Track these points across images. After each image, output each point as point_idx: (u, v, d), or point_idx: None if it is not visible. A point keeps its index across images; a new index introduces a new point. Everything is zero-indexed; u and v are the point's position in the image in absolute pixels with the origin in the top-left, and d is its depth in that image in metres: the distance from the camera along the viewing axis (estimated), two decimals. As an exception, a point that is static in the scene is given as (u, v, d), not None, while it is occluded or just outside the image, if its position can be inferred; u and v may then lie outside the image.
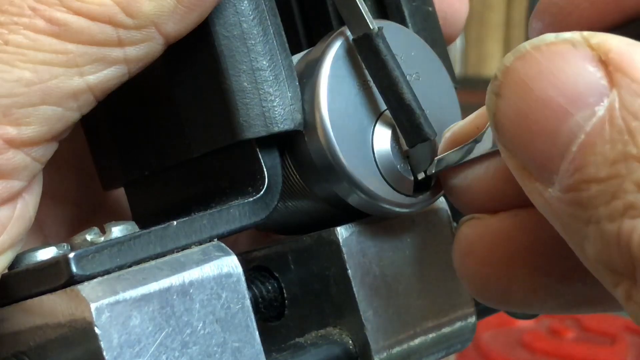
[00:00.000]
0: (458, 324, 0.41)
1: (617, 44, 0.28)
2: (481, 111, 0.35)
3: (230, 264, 0.34)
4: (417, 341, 0.39)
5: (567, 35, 0.29)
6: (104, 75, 0.34)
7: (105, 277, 0.32)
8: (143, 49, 0.34)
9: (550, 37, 0.29)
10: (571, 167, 0.28)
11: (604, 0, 0.32)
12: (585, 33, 0.29)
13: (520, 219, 0.34)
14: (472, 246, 0.35)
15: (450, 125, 0.38)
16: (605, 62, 0.28)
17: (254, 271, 0.40)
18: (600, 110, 0.27)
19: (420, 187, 0.38)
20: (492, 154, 0.34)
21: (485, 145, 0.35)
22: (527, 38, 0.31)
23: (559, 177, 0.28)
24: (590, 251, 0.28)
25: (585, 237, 0.28)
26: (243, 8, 0.36)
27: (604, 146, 0.27)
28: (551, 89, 0.28)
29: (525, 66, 0.29)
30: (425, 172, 0.38)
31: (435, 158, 0.37)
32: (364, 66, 0.37)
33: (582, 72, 0.28)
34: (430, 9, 0.42)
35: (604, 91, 0.28)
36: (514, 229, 0.33)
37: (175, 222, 0.34)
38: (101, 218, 0.42)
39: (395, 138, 0.38)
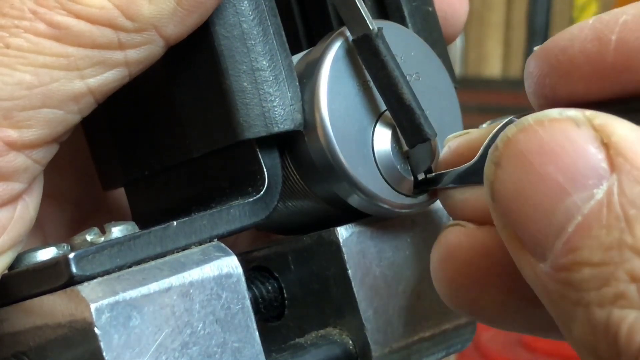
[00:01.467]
0: (458, 324, 0.41)
1: (620, 127, 0.28)
2: (487, 130, 0.35)
3: (230, 264, 0.34)
4: (417, 341, 0.39)
5: (571, 113, 0.28)
6: (104, 78, 0.34)
7: (105, 277, 0.32)
8: (143, 51, 0.34)
9: (554, 112, 0.29)
10: (565, 248, 0.28)
11: (606, 72, 0.32)
12: (589, 113, 0.28)
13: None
14: (450, 252, 0.34)
15: (451, 125, 0.38)
16: (607, 145, 0.28)
17: (254, 271, 0.40)
18: (599, 194, 0.27)
19: (420, 187, 0.38)
20: None
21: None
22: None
23: (552, 255, 0.28)
24: (576, 332, 0.28)
25: (573, 318, 0.28)
26: (243, 8, 0.36)
27: (600, 231, 0.27)
28: (551, 166, 0.28)
29: (526, 140, 0.29)
30: (427, 174, 0.38)
31: (442, 171, 0.37)
32: (363, 66, 0.37)
33: (583, 153, 0.28)
34: (430, 9, 0.42)
35: (604, 174, 0.27)
36: (494, 245, 0.33)
37: (175, 222, 0.34)
38: (101, 218, 0.42)
39: (395, 138, 0.38)
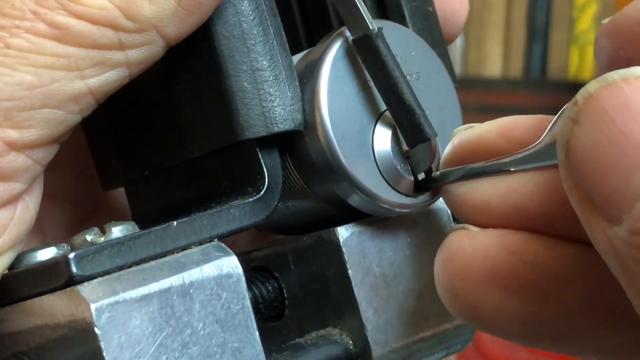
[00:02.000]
0: (458, 324, 0.41)
1: None
2: (492, 126, 0.35)
3: (230, 264, 0.34)
4: (417, 341, 0.39)
5: None
6: (105, 79, 0.34)
7: (105, 277, 0.32)
8: (144, 51, 0.34)
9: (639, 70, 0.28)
10: None
11: None
12: None
13: (505, 240, 0.33)
14: (453, 255, 0.34)
15: (451, 125, 0.38)
16: None
17: (254, 271, 0.40)
18: None
19: (420, 187, 0.38)
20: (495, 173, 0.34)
21: (500, 166, 0.34)
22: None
23: (629, 218, 0.27)
24: None
25: None
26: (243, 8, 0.36)
27: None
28: (634, 125, 0.27)
29: (610, 96, 0.27)
30: (427, 174, 0.38)
31: (442, 170, 0.37)
32: (363, 66, 0.37)
33: None
34: (430, 8, 0.42)
35: None
36: (496, 249, 0.33)
37: (175, 222, 0.34)
38: (101, 218, 0.42)
39: (395, 138, 0.38)
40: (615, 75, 0.28)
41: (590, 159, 0.28)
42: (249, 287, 0.36)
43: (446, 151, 0.36)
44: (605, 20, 0.32)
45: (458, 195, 0.35)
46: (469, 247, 0.34)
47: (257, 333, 0.34)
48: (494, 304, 0.33)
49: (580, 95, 0.28)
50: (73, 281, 0.31)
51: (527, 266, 0.32)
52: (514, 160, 0.34)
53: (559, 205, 0.32)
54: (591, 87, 0.28)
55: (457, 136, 0.36)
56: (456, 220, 0.42)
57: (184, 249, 0.34)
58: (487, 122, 0.36)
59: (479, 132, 0.35)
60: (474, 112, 1.80)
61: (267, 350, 0.34)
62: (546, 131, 0.33)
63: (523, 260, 0.33)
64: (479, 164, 0.35)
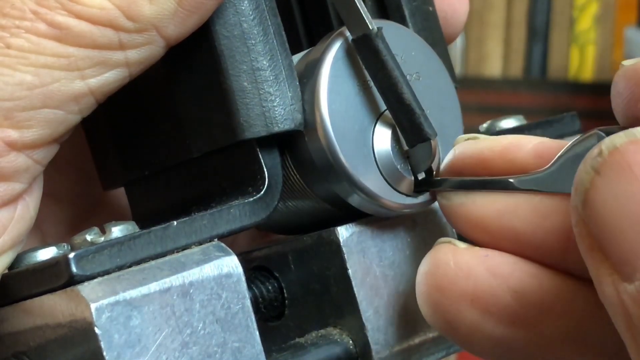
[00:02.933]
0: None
1: None
2: (493, 143, 0.35)
3: (230, 264, 0.34)
4: (417, 341, 0.39)
5: None
6: (105, 78, 0.34)
7: (106, 277, 0.32)
8: (144, 51, 0.34)
9: None
10: None
11: None
12: None
13: (490, 261, 0.33)
14: (436, 269, 0.34)
15: (451, 125, 0.38)
16: None
17: (254, 271, 0.40)
18: None
19: (420, 187, 0.38)
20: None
21: (503, 184, 0.34)
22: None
23: None
24: None
25: None
26: (243, 8, 0.36)
27: None
28: None
29: (636, 152, 0.27)
30: (427, 174, 0.38)
31: (445, 178, 0.37)
32: (363, 66, 0.37)
33: None
34: (430, 8, 0.42)
35: None
36: (479, 269, 0.33)
37: (175, 222, 0.34)
38: (101, 218, 0.42)
39: (395, 138, 0.38)
40: None
41: (609, 213, 0.27)
42: (249, 287, 0.36)
43: (446, 160, 0.36)
44: (626, 63, 0.32)
45: (453, 205, 0.35)
46: (453, 263, 0.34)
47: (257, 333, 0.34)
48: (471, 323, 0.33)
49: (605, 146, 0.28)
50: (73, 281, 0.31)
51: (508, 292, 0.33)
52: (517, 181, 0.34)
53: (553, 236, 0.32)
54: (618, 140, 0.28)
55: (459, 146, 0.36)
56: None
57: (184, 248, 0.34)
58: (491, 139, 0.35)
59: (481, 148, 0.35)
60: (474, 112, 1.80)
61: (267, 350, 0.34)
62: (555, 158, 0.33)
63: (505, 285, 0.33)
64: (480, 177, 0.35)
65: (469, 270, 0.33)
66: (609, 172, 0.28)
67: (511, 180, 0.34)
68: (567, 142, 0.33)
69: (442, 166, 0.37)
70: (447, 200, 0.36)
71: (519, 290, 0.32)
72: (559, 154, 0.33)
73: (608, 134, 0.30)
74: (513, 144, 0.35)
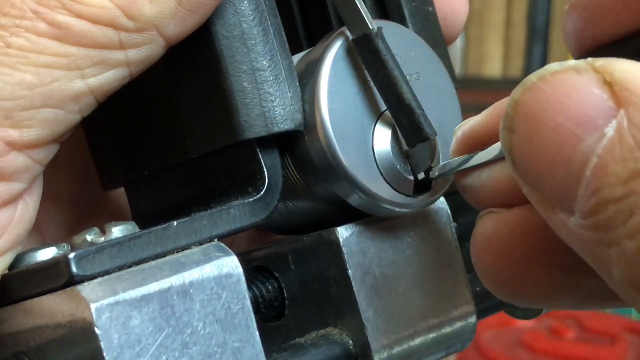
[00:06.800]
0: (458, 324, 0.41)
1: (621, 64, 0.28)
2: (491, 111, 0.35)
3: (230, 264, 0.34)
4: (417, 341, 0.39)
5: (571, 62, 0.29)
6: (105, 78, 0.34)
7: (106, 277, 0.32)
8: (144, 51, 0.34)
9: (554, 66, 0.29)
10: (587, 192, 0.28)
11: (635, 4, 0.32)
12: (589, 59, 0.29)
13: (535, 212, 0.34)
14: (488, 241, 0.34)
15: (451, 125, 0.38)
16: (610, 83, 0.28)
17: (254, 271, 0.40)
18: (610, 131, 0.27)
19: (420, 187, 0.38)
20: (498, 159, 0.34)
21: (492, 152, 0.34)
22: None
23: (577, 204, 0.28)
24: (615, 275, 0.28)
25: (610, 260, 0.28)
26: (243, 8, 0.36)
27: (616, 166, 0.27)
28: (560, 117, 0.28)
29: (532, 98, 0.29)
30: (427, 174, 0.38)
31: (441, 163, 0.37)
32: (363, 66, 0.37)
33: (588, 96, 0.28)
34: (430, 8, 0.42)
35: (612, 112, 0.27)
36: (529, 223, 0.33)
37: (175, 222, 0.34)
38: (101, 218, 0.42)
39: (395, 138, 0.38)
40: (533, 77, 0.29)
41: (532, 161, 0.29)
42: (249, 287, 0.36)
43: (452, 146, 0.37)
44: (567, 6, 0.33)
45: (475, 186, 0.36)
46: (503, 228, 0.34)
47: (257, 333, 0.34)
48: (543, 276, 0.33)
49: (508, 105, 0.30)
50: (73, 281, 0.31)
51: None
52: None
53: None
54: (515, 94, 0.29)
55: (459, 129, 0.36)
56: (456, 220, 0.42)
57: (184, 249, 0.34)
58: (485, 110, 0.36)
59: (479, 119, 0.36)
60: (474, 112, 1.80)
61: (267, 350, 0.34)
62: None
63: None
64: (472, 154, 0.35)
65: (521, 228, 0.33)
66: (517, 126, 0.29)
67: (497, 149, 0.34)
68: None
69: (452, 148, 0.37)
70: (466, 184, 0.36)
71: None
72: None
73: None
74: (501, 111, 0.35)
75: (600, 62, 0.28)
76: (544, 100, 0.29)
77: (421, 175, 0.38)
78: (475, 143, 0.35)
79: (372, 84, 0.37)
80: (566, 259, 0.31)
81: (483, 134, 0.35)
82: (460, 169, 0.36)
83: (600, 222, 0.28)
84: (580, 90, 0.28)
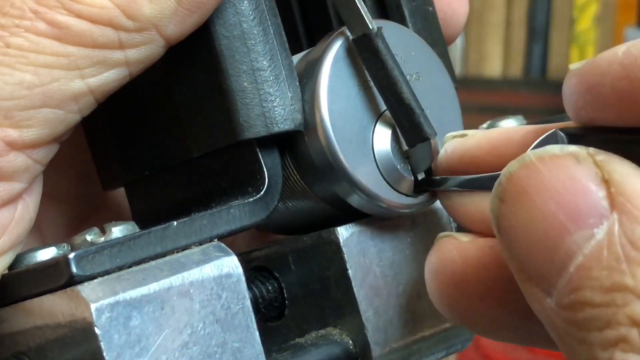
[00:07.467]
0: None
1: (621, 165, 0.28)
2: (488, 135, 0.35)
3: (230, 264, 0.34)
4: (417, 341, 0.39)
5: (573, 148, 0.28)
6: (105, 78, 0.34)
7: (106, 277, 0.32)
8: (144, 51, 0.34)
9: (555, 149, 0.29)
10: (568, 287, 0.27)
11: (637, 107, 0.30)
12: (591, 149, 0.28)
13: (494, 250, 0.33)
14: (441, 264, 0.34)
15: (451, 125, 0.38)
16: (608, 182, 0.27)
17: (254, 271, 0.40)
18: (600, 234, 0.27)
19: (420, 187, 0.38)
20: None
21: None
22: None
23: (556, 292, 0.28)
24: None
25: (578, 355, 0.28)
26: (243, 8, 0.36)
27: (600, 272, 0.27)
28: (552, 204, 0.28)
29: (528, 176, 0.29)
30: (426, 179, 0.38)
31: (444, 177, 0.37)
32: (363, 66, 0.37)
33: (584, 190, 0.28)
34: (430, 8, 0.42)
35: (605, 213, 0.27)
36: (485, 260, 0.33)
37: (175, 222, 0.34)
38: (101, 218, 0.42)
39: (395, 138, 0.38)
40: (532, 155, 0.29)
41: (517, 236, 0.29)
42: (249, 287, 0.36)
43: (439, 157, 0.37)
44: (573, 66, 0.32)
45: (454, 204, 0.36)
46: (459, 256, 0.34)
47: (257, 333, 0.34)
48: (488, 311, 0.33)
49: (503, 174, 0.29)
50: (73, 281, 0.31)
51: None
52: None
53: None
54: (512, 167, 0.29)
55: (449, 144, 0.36)
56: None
57: (184, 249, 0.34)
58: (479, 135, 0.36)
59: (469, 147, 0.36)
60: (474, 112, 1.80)
61: (267, 350, 0.34)
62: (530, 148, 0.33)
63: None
64: (479, 175, 0.35)
65: (476, 262, 0.33)
66: (509, 199, 0.29)
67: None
68: (554, 126, 0.33)
69: (433, 165, 0.37)
70: (448, 200, 0.36)
71: None
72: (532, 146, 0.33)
73: (566, 133, 0.31)
74: (501, 139, 0.35)
75: (602, 156, 0.28)
76: (539, 182, 0.28)
77: (421, 175, 0.38)
78: (463, 166, 0.35)
79: (372, 84, 0.37)
80: (514, 301, 0.31)
81: (472, 163, 0.35)
82: (464, 189, 0.35)
83: (576, 318, 0.27)
84: (576, 181, 0.28)
